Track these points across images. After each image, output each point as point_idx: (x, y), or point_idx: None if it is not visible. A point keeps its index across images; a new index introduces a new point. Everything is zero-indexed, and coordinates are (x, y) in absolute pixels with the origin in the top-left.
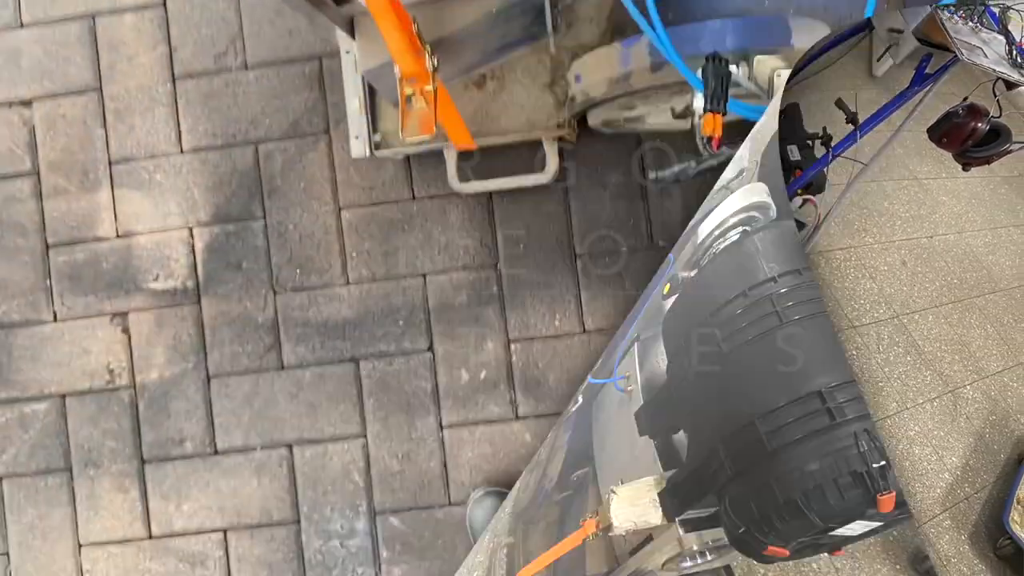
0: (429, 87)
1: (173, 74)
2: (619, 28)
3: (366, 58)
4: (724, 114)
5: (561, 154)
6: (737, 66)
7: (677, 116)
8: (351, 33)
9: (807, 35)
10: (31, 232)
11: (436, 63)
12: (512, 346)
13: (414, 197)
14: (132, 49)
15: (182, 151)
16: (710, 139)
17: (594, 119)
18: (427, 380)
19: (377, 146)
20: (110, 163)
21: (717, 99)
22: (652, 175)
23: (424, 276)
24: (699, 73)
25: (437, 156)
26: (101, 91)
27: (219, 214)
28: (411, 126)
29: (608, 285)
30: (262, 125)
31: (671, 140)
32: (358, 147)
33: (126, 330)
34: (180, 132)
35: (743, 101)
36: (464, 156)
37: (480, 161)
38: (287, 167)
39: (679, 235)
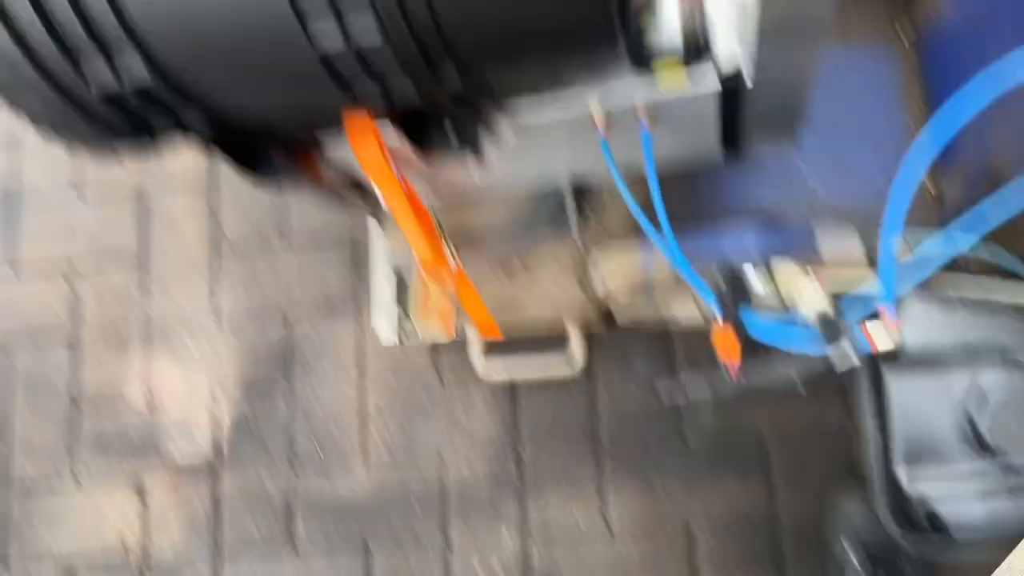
0: (450, 286)
1: (218, 250)
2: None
3: (393, 250)
4: (740, 333)
5: (590, 344)
6: (758, 273)
7: (709, 320)
8: (380, 224)
9: (835, 242)
10: (64, 396)
11: (458, 261)
12: (534, 548)
13: (441, 382)
14: (180, 224)
15: (218, 324)
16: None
17: (621, 317)
18: None
19: (406, 333)
20: (148, 333)
21: (728, 310)
22: (682, 396)
23: (445, 463)
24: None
25: (462, 343)
26: (147, 262)
27: (247, 389)
28: (430, 325)
29: (636, 485)
30: (297, 302)
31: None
32: (386, 334)
33: (144, 501)
34: (218, 306)
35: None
36: (491, 345)
37: (507, 349)
38: (318, 346)
39: (712, 437)
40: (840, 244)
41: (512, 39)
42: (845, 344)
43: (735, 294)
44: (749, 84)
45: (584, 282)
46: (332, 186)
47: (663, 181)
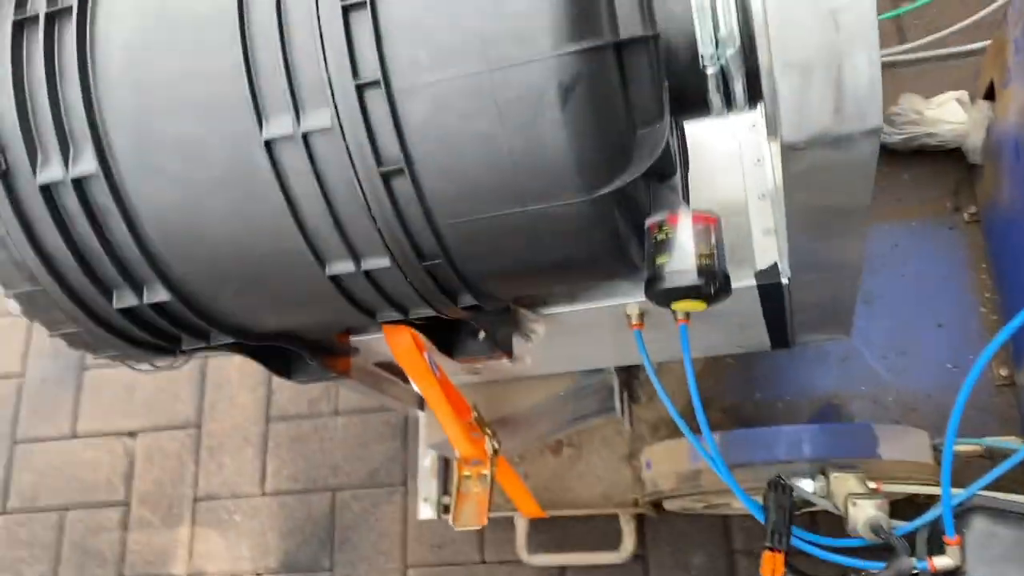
0: (486, 471)
1: (268, 415)
2: (704, 403)
3: (432, 431)
4: (787, 554)
5: (640, 527)
6: (813, 478)
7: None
8: (420, 406)
9: (897, 444)
10: (110, 563)
11: (496, 446)
12: None
13: (483, 561)
14: (235, 389)
15: (263, 493)
16: None
17: (670, 504)
18: None
19: (446, 509)
20: (195, 499)
21: (779, 535)
22: None
23: None
24: (760, 499)
25: (509, 520)
26: (200, 428)
27: (288, 562)
28: (463, 512)
29: None
30: (342, 472)
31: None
32: (426, 510)
33: None
34: (265, 474)
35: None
36: (537, 523)
37: (552, 530)
38: (360, 518)
39: None
40: (902, 443)
41: (526, 273)
42: (902, 562)
43: (786, 516)
44: (785, 280)
45: (635, 463)
46: (366, 378)
47: (715, 361)
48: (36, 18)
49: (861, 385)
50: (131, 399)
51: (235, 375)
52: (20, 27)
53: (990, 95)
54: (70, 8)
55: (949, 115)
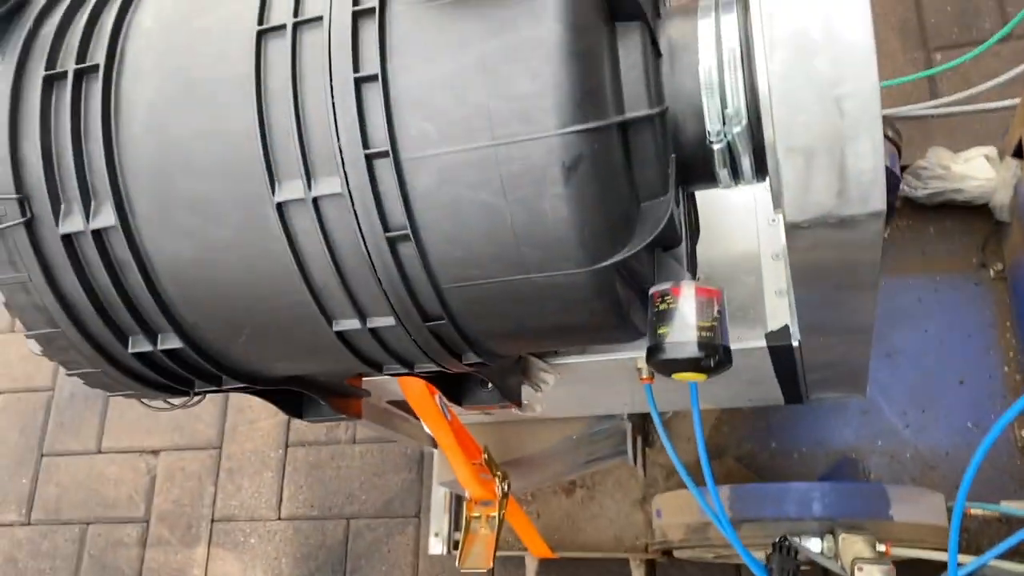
0: (495, 513)
1: (287, 440)
2: (719, 451)
3: (443, 469)
4: None
5: (651, 571)
6: (821, 537)
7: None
8: (432, 444)
9: (910, 505)
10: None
11: (507, 488)
12: None
13: None
14: (256, 414)
15: (279, 517)
16: None
17: (680, 552)
18: None
19: (456, 545)
20: (213, 520)
21: None
22: None
23: None
24: (764, 559)
25: (520, 558)
26: (221, 449)
27: None
28: (471, 554)
29: None
30: (357, 500)
31: None
32: (436, 544)
33: None
34: (281, 498)
35: None
36: (546, 563)
37: (562, 571)
38: (373, 547)
39: None
40: (915, 505)
41: (528, 336)
42: None
43: None
44: (795, 342)
45: (646, 508)
46: (379, 417)
47: (732, 409)
48: (65, 74)
49: (879, 440)
50: (156, 418)
51: (257, 400)
52: (50, 82)
53: (1019, 153)
54: (97, 66)
55: (977, 171)
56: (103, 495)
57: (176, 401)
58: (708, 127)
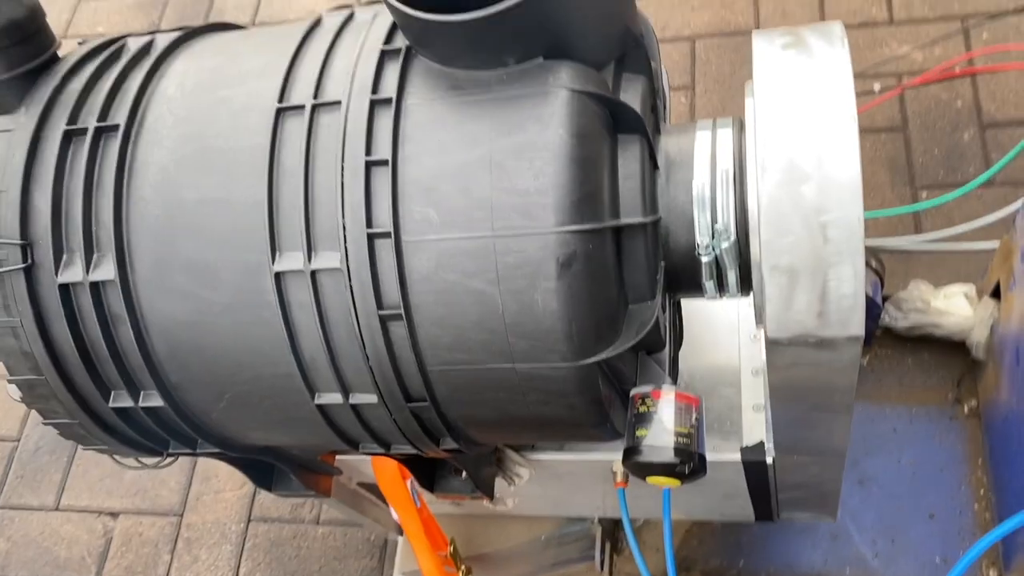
0: None
1: (250, 514)
2: (687, 563)
3: (406, 559)
4: None
5: None
6: None
7: None
8: (399, 531)
9: None
10: None
11: None
12: None
13: None
14: (222, 483)
15: None
16: None
17: None
18: None
19: None
20: None
21: None
22: None
23: None
24: None
25: None
26: (182, 517)
27: None
28: None
29: None
30: None
31: None
32: None
33: None
34: (238, 574)
35: None
36: None
37: None
38: None
39: None
40: None
41: (508, 425)
42: None
43: None
44: (769, 459)
45: None
46: (348, 497)
47: (703, 523)
48: (85, 131)
49: (848, 567)
50: (120, 478)
51: (224, 469)
52: (69, 137)
53: (997, 294)
54: (117, 126)
55: (955, 308)
56: (54, 554)
57: (148, 461)
58: (698, 239)
